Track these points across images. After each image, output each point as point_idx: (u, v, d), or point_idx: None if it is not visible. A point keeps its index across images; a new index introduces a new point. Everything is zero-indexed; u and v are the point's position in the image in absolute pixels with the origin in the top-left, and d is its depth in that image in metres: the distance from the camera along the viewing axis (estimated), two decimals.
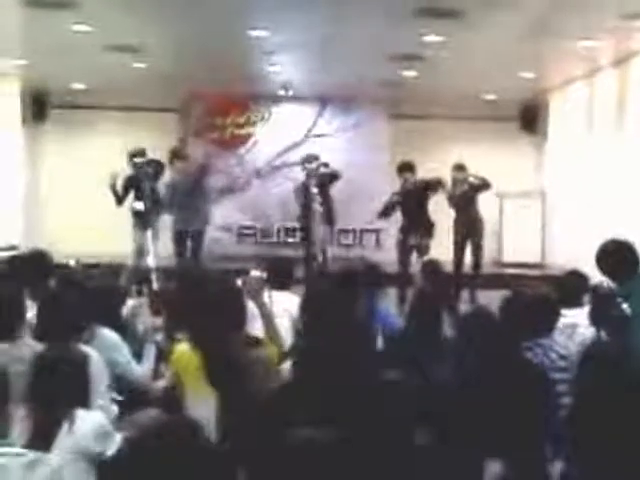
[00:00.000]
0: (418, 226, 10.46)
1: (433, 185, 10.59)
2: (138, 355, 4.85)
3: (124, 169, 10.32)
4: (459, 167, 11.21)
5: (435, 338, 4.55)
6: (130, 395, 4.57)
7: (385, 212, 10.85)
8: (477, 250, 11.19)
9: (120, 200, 10.25)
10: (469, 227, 11.12)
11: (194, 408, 3.76)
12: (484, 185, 11.06)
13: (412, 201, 10.45)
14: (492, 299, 10.19)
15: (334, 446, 2.37)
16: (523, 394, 3.15)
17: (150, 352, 4.93)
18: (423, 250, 10.29)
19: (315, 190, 10.65)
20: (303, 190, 10.91)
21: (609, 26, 9.01)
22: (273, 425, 2.90)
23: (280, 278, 5.60)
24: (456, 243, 11.15)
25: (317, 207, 10.67)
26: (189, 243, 10.68)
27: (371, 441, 2.69)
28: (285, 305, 5.20)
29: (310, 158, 10.98)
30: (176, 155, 10.97)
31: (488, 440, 2.97)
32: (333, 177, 10.86)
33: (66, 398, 3.36)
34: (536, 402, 3.09)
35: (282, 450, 2.41)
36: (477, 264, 11.17)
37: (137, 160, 10.20)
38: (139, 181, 10.22)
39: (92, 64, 11.86)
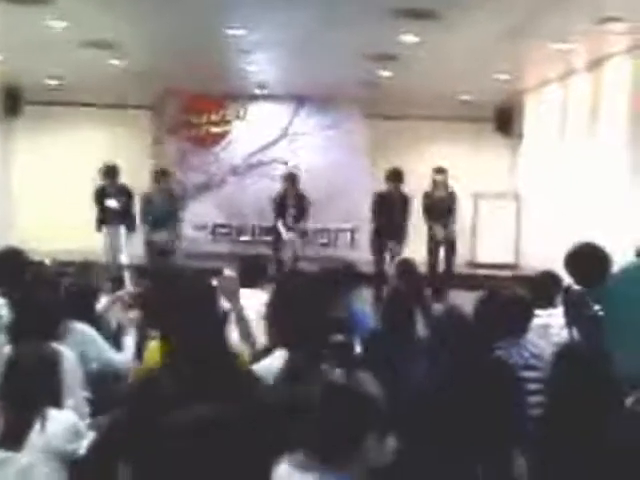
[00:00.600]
0: (395, 229, 10.61)
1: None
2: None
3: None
4: (440, 170, 11.27)
5: (408, 338, 4.56)
6: (102, 393, 4.54)
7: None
8: (451, 252, 11.28)
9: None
10: (445, 229, 11.19)
11: None
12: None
13: (396, 208, 10.62)
14: (465, 299, 10.31)
15: None
16: (494, 393, 3.16)
17: (129, 342, 4.97)
18: (396, 251, 10.40)
19: (292, 212, 11.46)
20: (280, 205, 11.65)
21: (584, 29, 9.06)
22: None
23: (251, 276, 5.58)
24: (431, 244, 11.21)
25: (289, 233, 11.46)
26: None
27: None
28: (254, 302, 5.16)
29: (291, 177, 11.84)
30: (163, 174, 11.41)
31: (460, 440, 2.98)
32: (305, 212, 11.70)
33: (38, 397, 3.34)
34: (506, 401, 3.10)
35: None
36: (450, 265, 11.27)
37: (107, 187, 10.80)
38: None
39: (67, 60, 11.77)
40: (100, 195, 10.81)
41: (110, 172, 10.85)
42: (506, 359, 4.04)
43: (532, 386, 3.97)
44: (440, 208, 11.16)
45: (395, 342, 4.50)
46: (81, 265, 6.66)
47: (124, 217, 10.56)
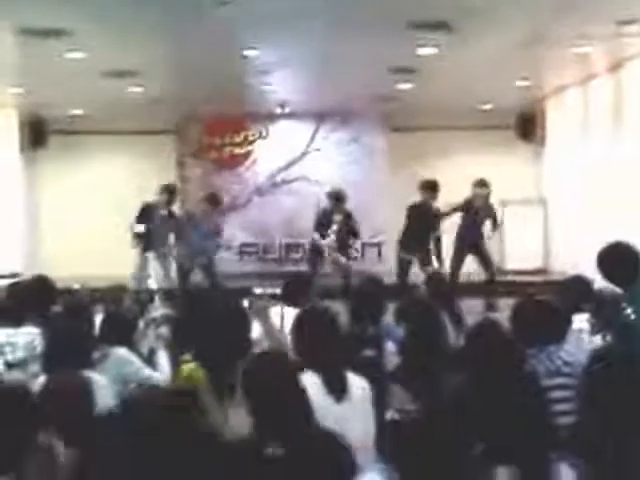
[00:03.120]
0: (424, 240, 10.56)
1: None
2: None
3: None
4: (481, 183, 11.08)
5: (439, 348, 4.54)
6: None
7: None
8: (488, 260, 11.17)
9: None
10: (475, 239, 11.08)
11: None
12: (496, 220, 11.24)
13: (424, 220, 10.56)
14: (497, 305, 10.23)
15: None
16: (523, 405, 3.13)
17: (163, 360, 5.02)
18: (426, 263, 10.35)
19: (335, 228, 11.09)
20: (325, 222, 11.26)
21: (604, 32, 9.02)
22: None
23: (294, 295, 5.58)
24: (458, 251, 11.10)
25: (333, 253, 11.12)
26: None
27: None
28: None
29: (339, 195, 11.36)
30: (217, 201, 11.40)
31: (494, 448, 2.96)
32: (355, 234, 11.42)
33: (72, 426, 3.36)
34: (536, 412, 3.07)
35: None
36: (492, 273, 11.16)
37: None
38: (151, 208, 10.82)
39: (89, 90, 11.90)
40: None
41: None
42: (536, 367, 4.01)
43: (565, 393, 3.93)
44: (478, 216, 11.06)
45: (427, 353, 4.47)
46: (111, 291, 6.71)
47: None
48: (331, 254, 11.09)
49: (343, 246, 11.25)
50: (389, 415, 3.77)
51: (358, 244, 14.51)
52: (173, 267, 11.00)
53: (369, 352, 4.57)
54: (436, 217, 10.83)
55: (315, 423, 3.09)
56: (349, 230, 11.29)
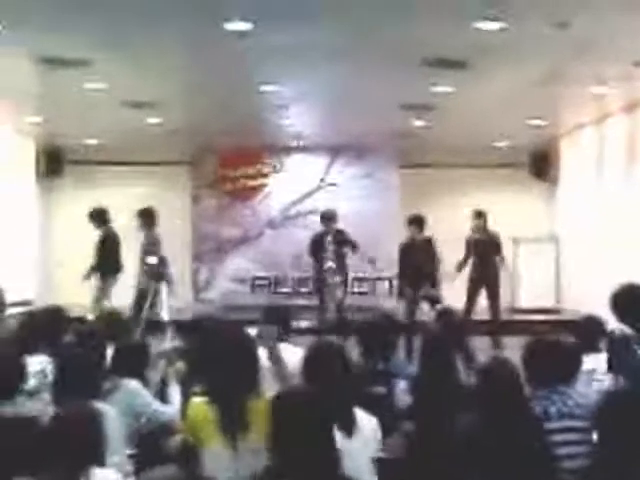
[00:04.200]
0: (424, 275, 10.50)
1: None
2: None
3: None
4: (478, 214, 11.19)
5: (450, 386, 4.51)
6: (146, 450, 4.55)
7: None
8: (494, 298, 11.15)
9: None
10: (485, 274, 11.08)
11: (210, 464, 3.74)
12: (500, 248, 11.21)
13: (420, 252, 10.50)
14: (508, 345, 10.19)
15: None
16: (525, 449, 3.11)
17: (174, 394, 5.02)
18: (435, 299, 10.28)
19: (331, 247, 10.97)
20: (319, 242, 11.17)
21: (621, 73, 9.05)
22: None
23: (278, 322, 5.50)
24: (471, 289, 11.09)
25: (330, 262, 10.82)
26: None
27: None
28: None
29: (329, 214, 11.31)
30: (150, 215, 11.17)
31: None
32: (352, 245, 11.25)
33: (81, 456, 3.35)
34: (539, 456, 3.05)
35: None
36: (495, 312, 11.13)
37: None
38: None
39: (106, 120, 12.01)
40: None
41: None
42: (548, 408, 3.98)
43: (576, 436, 3.90)
44: (482, 249, 11.08)
45: (437, 390, 4.45)
46: (123, 322, 6.70)
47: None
48: (331, 280, 11.04)
49: (340, 266, 11.16)
50: (378, 453, 3.75)
51: (371, 279, 14.56)
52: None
53: (379, 389, 4.55)
54: (430, 247, 10.71)
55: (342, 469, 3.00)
56: (343, 244, 11.18)
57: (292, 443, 2.95)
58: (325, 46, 8.12)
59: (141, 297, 10.24)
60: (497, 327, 10.98)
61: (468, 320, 10.57)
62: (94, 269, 10.94)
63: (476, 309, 11.16)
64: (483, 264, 11.13)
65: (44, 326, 5.49)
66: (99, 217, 11.13)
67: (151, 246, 10.74)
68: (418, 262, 10.44)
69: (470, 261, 11.21)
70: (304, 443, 2.92)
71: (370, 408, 3.91)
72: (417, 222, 10.67)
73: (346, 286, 11.40)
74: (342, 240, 11.15)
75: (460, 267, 11.16)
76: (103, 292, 10.89)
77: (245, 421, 3.72)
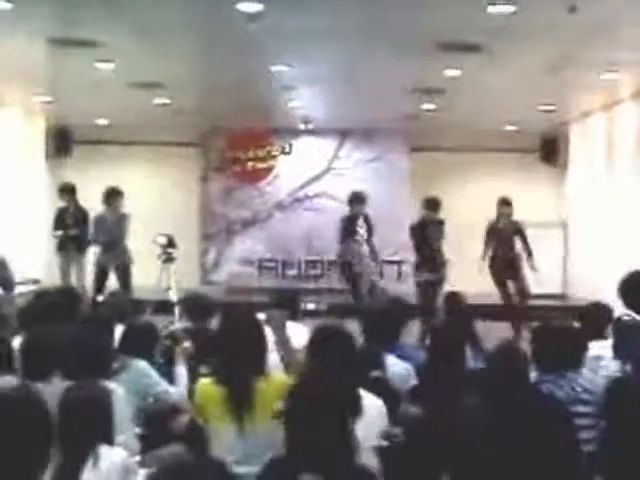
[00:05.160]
0: (435, 261, 10.44)
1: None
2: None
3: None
4: (507, 202, 11.04)
5: (457, 371, 4.53)
6: (153, 429, 4.58)
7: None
8: (521, 283, 11.06)
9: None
10: (507, 262, 10.99)
11: (217, 443, 3.76)
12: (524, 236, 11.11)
13: (434, 234, 10.43)
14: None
15: None
16: (543, 430, 3.13)
17: (181, 373, 5.04)
18: (440, 284, 10.25)
19: (361, 231, 10.85)
20: (349, 226, 10.98)
21: (632, 58, 9.01)
22: None
23: (288, 306, 5.59)
24: (496, 277, 10.98)
25: (364, 246, 10.80)
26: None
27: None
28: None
29: (362, 197, 11.11)
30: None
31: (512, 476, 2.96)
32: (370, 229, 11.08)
33: (90, 435, 3.38)
34: (557, 438, 3.06)
35: None
36: (524, 296, 11.03)
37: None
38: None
39: (115, 100, 12.01)
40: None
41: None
42: (556, 393, 4.00)
43: (584, 421, 3.91)
44: (505, 236, 10.99)
45: (444, 376, 4.46)
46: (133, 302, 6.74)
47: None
48: (363, 265, 10.93)
49: (373, 250, 11.06)
50: (376, 441, 3.75)
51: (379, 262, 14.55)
52: None
53: (375, 372, 4.56)
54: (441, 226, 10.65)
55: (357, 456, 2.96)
56: (371, 228, 11.08)
57: (307, 432, 2.89)
58: (336, 28, 8.09)
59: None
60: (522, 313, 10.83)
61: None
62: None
63: (485, 294, 11.10)
64: (505, 252, 11.03)
65: (57, 308, 5.52)
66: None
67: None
68: (433, 243, 10.41)
69: (490, 249, 11.07)
70: (319, 432, 2.86)
71: (371, 391, 3.93)
72: (434, 205, 10.61)
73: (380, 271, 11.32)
74: (370, 225, 11.05)
75: (484, 256, 11.02)
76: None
77: (251, 402, 3.74)
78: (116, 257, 10.59)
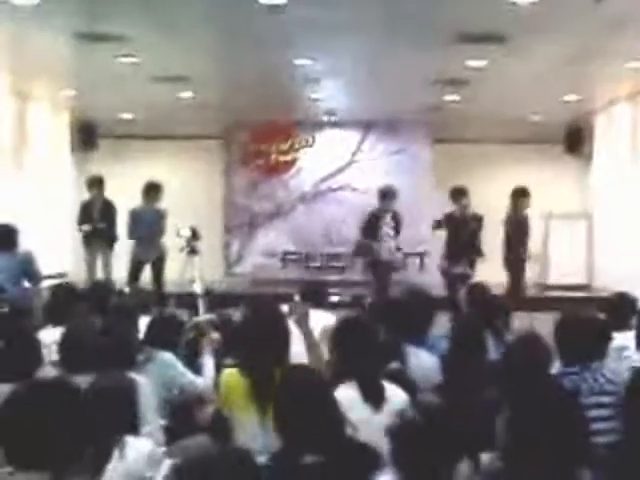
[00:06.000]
0: (467, 249, 10.33)
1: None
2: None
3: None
4: (523, 192, 10.87)
5: (479, 363, 4.53)
6: (179, 420, 4.63)
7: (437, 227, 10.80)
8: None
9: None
10: (522, 254, 10.91)
11: (241, 434, 3.80)
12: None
13: (463, 229, 10.34)
14: (538, 322, 10.14)
15: None
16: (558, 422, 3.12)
17: (209, 364, 5.07)
18: (467, 278, 10.15)
19: (387, 228, 10.60)
20: (374, 222, 10.66)
21: None
22: None
23: (314, 298, 5.66)
24: (514, 267, 10.89)
25: (391, 243, 10.62)
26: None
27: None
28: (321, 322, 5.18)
29: (392, 192, 10.78)
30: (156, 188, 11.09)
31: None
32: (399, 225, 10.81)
33: (116, 426, 3.42)
34: (572, 430, 3.05)
35: None
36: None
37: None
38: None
39: (139, 94, 12.08)
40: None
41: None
42: (579, 384, 4.00)
43: (607, 412, 3.91)
44: (523, 226, 10.89)
45: (464, 366, 4.47)
46: (157, 295, 6.80)
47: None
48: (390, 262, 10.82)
49: (399, 248, 10.84)
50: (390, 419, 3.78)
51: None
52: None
53: (394, 364, 4.57)
54: (478, 222, 10.54)
55: (346, 433, 3.11)
56: (398, 225, 10.75)
57: (295, 418, 3.10)
58: (359, 20, 8.10)
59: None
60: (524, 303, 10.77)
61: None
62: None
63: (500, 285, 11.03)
64: (519, 244, 10.96)
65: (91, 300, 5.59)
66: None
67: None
68: (465, 236, 10.31)
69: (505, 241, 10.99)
70: (305, 415, 3.07)
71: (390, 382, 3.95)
72: (461, 195, 10.47)
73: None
74: (398, 222, 10.72)
75: (508, 247, 10.89)
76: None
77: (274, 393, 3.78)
78: (153, 251, 10.70)
